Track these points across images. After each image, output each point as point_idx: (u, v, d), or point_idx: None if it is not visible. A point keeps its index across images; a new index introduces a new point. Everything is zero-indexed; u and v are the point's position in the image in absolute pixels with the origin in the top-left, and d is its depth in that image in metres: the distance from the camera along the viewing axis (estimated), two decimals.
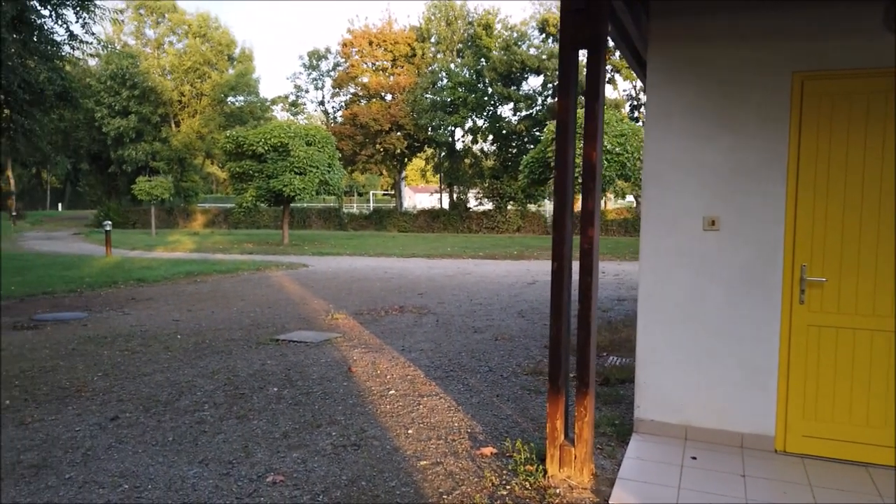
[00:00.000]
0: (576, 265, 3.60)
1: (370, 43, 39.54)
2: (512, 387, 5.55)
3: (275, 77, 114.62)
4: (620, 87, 42.69)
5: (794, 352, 3.96)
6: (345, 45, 40.24)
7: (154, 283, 12.98)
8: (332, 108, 43.74)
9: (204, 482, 3.66)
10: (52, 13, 10.79)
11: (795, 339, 3.96)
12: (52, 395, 5.36)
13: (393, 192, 51.72)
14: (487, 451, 4.09)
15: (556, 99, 3.73)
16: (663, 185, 4.18)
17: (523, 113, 34.95)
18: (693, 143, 4.11)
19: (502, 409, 4.97)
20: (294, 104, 45.05)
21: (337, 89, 41.80)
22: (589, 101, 3.54)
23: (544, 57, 33.22)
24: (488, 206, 34.06)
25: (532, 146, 32.74)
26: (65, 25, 10.78)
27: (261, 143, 22.58)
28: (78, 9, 10.78)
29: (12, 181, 44.31)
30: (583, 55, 3.65)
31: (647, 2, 4.18)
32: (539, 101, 35.00)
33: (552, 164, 21.69)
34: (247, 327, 8.30)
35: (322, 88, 43.61)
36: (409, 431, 4.48)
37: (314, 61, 42.56)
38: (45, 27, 10.87)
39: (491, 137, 36.76)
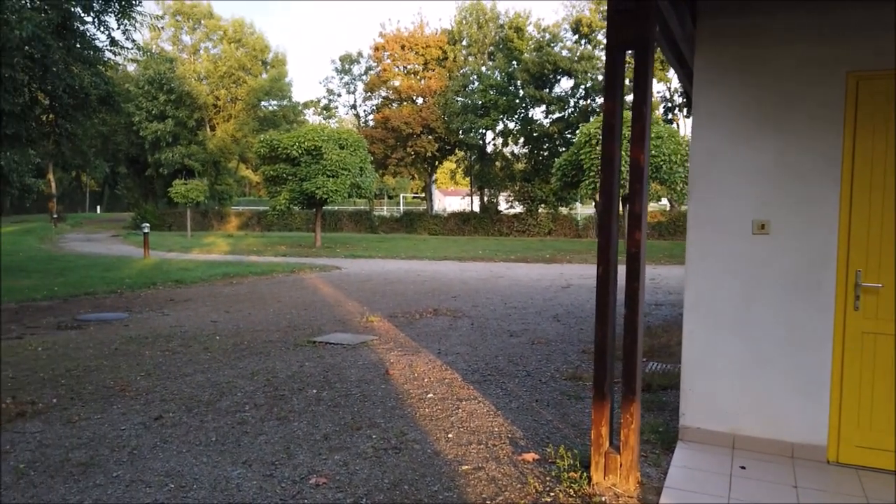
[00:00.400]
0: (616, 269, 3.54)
1: (402, 47, 39.74)
2: (551, 392, 5.50)
3: (307, 81, 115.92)
4: (654, 89, 42.15)
5: (847, 360, 3.84)
6: (377, 48, 40.52)
7: (191, 285, 13.19)
8: (364, 111, 44.13)
9: (248, 483, 3.68)
10: (95, 20, 11.02)
11: (849, 347, 3.84)
12: (98, 394, 5.46)
13: (423, 195, 51.87)
14: (529, 456, 4.04)
15: (602, 100, 3.68)
16: (711, 189, 4.10)
17: (555, 115, 34.72)
18: (742, 146, 4.02)
19: (542, 414, 4.92)
20: (326, 108, 45.49)
21: (369, 93, 42.11)
22: (636, 102, 3.48)
23: (576, 59, 32.97)
24: (519, 209, 33.94)
25: (564, 149, 32.53)
26: (106, 31, 10.99)
27: (294, 147, 22.83)
28: (119, 15, 11.00)
29: (53, 184, 45.49)
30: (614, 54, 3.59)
31: (694, 2, 4.10)
32: (571, 104, 34.74)
33: (585, 166, 21.63)
34: (284, 329, 8.38)
35: (354, 92, 44.01)
36: (450, 435, 4.45)
37: (346, 65, 42.95)
38: (88, 33, 11.11)
39: (522, 140, 36.60)
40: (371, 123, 41.61)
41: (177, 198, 32.16)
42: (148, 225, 21.25)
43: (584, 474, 3.65)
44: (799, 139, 3.89)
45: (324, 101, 45.35)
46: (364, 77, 42.56)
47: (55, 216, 40.85)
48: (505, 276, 15.08)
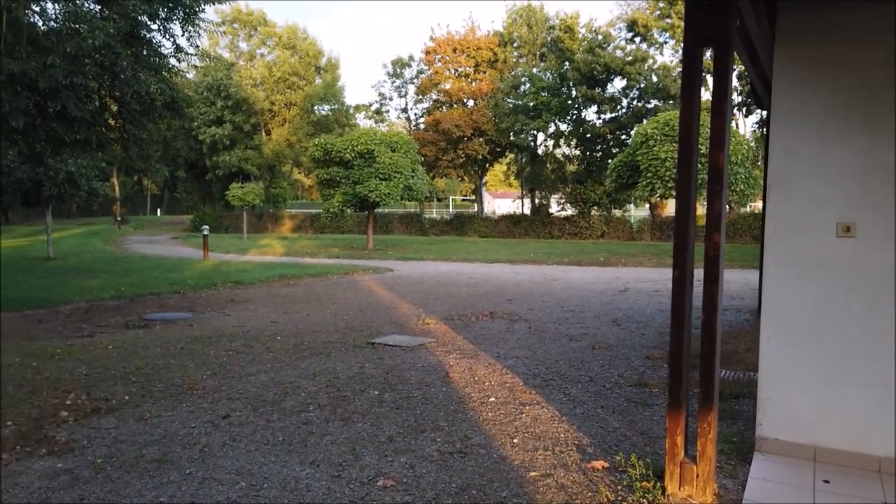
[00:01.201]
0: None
1: (453, 49, 39.83)
2: (616, 398, 5.37)
3: (359, 85, 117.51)
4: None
5: None
6: (428, 52, 40.72)
7: (250, 286, 13.47)
8: (415, 114, 44.39)
9: (317, 483, 3.70)
10: (161, 27, 11.35)
11: None
12: (167, 391, 5.61)
13: (473, 198, 51.85)
14: (598, 464, 3.95)
15: (679, 98, 3.57)
16: (791, 190, 3.93)
17: (608, 116, 34.19)
18: (825, 145, 3.84)
19: (609, 421, 4.81)
20: (378, 112, 45.97)
21: (420, 96, 42.35)
22: (716, 100, 3.36)
23: (629, 60, 32.38)
24: (571, 211, 33.56)
25: (618, 149, 32.01)
26: (171, 39, 11.36)
27: (348, 150, 23.11)
28: (183, 22, 11.31)
29: (117, 188, 47.29)
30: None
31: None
32: (624, 104, 34.16)
33: (641, 167, 21.21)
34: (342, 330, 8.45)
35: (405, 96, 44.31)
36: (514, 440, 4.39)
37: (398, 69, 43.30)
38: (154, 41, 11.47)
39: (574, 141, 36.16)
40: (422, 126, 41.83)
41: (233, 201, 32.98)
42: (207, 227, 21.85)
43: (658, 484, 3.54)
44: (887, 137, 3.69)
45: (375, 105, 45.87)
46: (415, 80, 42.83)
47: (119, 219, 42.54)
48: (559, 279, 14.91)
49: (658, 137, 20.77)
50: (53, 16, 10.33)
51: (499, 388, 5.69)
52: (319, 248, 25.27)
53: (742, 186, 20.31)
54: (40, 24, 10.02)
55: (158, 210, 65.25)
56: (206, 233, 21.14)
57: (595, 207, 32.40)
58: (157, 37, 11.42)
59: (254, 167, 42.25)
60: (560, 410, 5.05)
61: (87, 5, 10.26)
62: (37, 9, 10.05)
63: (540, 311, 9.98)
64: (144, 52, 11.14)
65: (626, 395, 5.48)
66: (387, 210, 37.44)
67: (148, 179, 62.32)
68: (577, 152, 37.11)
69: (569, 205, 33.70)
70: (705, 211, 3.40)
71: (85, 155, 16.33)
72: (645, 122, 25.56)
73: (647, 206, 31.96)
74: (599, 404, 5.21)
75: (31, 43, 9.08)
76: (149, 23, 11.07)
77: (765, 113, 9.62)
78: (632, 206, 37.41)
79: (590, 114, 35.46)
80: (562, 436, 4.49)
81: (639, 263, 18.84)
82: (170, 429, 4.65)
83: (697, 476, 3.44)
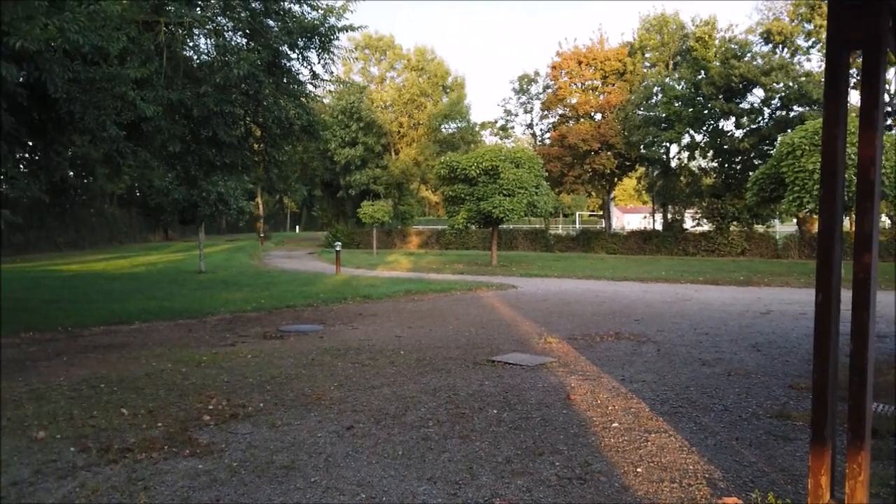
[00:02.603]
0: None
1: (579, 63, 39.29)
2: (753, 430, 4.97)
3: (485, 101, 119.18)
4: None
5: None
6: (554, 67, 40.45)
7: (377, 300, 13.93)
8: (541, 130, 44.15)
9: (434, 500, 3.72)
10: (299, 56, 12.08)
11: None
12: (297, 401, 5.89)
13: (601, 213, 50.64)
14: (731, 501, 3.66)
15: (823, 105, 3.27)
16: None
17: (747, 127, 32.14)
18: None
19: (744, 454, 4.46)
20: (503, 128, 46.21)
21: (545, 111, 42.10)
22: (865, 107, 3.06)
23: (767, 69, 30.26)
24: (707, 226, 31.81)
25: (760, 161, 29.99)
26: (308, 66, 12.07)
27: (472, 167, 23.40)
28: (320, 50, 11.97)
29: (261, 206, 50.92)
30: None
31: None
32: (766, 114, 31.97)
33: (786, 180, 19.71)
34: (463, 346, 8.51)
35: (531, 111, 44.22)
36: (638, 469, 4.18)
37: (524, 85, 43.35)
38: (293, 69, 12.23)
39: (711, 153, 34.29)
40: (547, 141, 41.52)
41: (364, 218, 34.38)
42: (340, 243, 22.90)
43: None
44: None
45: (501, 122, 46.14)
46: (541, 96, 42.66)
47: (262, 235, 45.84)
48: (693, 298, 14.14)
49: (806, 148, 19.21)
50: (205, 49, 11.33)
51: (623, 413, 5.46)
52: (444, 264, 25.70)
53: None
54: (194, 57, 11.01)
55: (297, 227, 69.50)
56: (338, 249, 22.21)
57: (734, 223, 30.50)
58: (296, 65, 12.13)
59: (382, 186, 43.91)
60: (690, 440, 4.75)
61: (234, 39, 11.14)
62: (191, 44, 11.06)
63: (670, 333, 9.50)
64: (284, 80, 11.90)
65: (765, 427, 5.06)
66: (511, 226, 37.43)
67: (288, 198, 66.63)
68: (714, 164, 35.15)
69: (705, 220, 31.97)
70: (854, 229, 3.08)
71: (233, 177, 17.75)
72: (790, 131, 23.77)
73: (794, 221, 29.61)
74: (734, 436, 4.85)
75: (187, 75, 9.99)
76: (289, 52, 11.83)
77: None
78: (776, 221, 34.82)
79: (728, 124, 33.54)
80: (691, 468, 4.22)
81: (784, 283, 17.47)
82: (298, 437, 4.88)
83: None
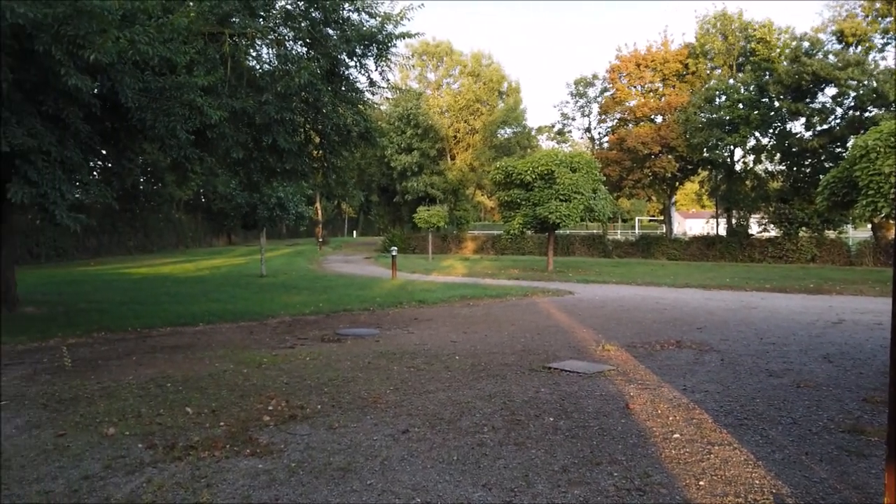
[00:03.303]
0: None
1: (637, 65, 38.56)
2: (824, 445, 4.74)
3: (541, 105, 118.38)
4: None
5: None
6: (612, 70, 39.82)
7: (433, 305, 13.98)
8: (599, 133, 43.51)
9: None
10: (357, 64, 12.26)
11: None
12: (354, 403, 5.95)
13: (661, 218, 49.51)
14: None
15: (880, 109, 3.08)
16: None
17: (818, 128, 30.81)
18: None
19: (814, 470, 4.25)
20: (560, 132, 45.75)
21: (603, 115, 41.46)
22: None
23: (841, 66, 28.94)
24: (774, 232, 30.63)
25: (831, 164, 28.71)
26: (366, 74, 12.26)
27: (528, 172, 23.24)
28: (377, 58, 12.12)
29: (320, 212, 51.91)
30: None
31: None
32: (838, 114, 30.58)
33: (861, 184, 18.79)
34: (519, 352, 8.43)
35: (589, 115, 43.63)
36: (701, 483, 4.04)
37: (581, 88, 42.82)
38: (351, 77, 12.42)
39: (778, 156, 33.01)
40: (606, 145, 40.88)
41: (420, 223, 34.61)
42: (395, 248, 23.11)
43: None
44: None
45: (557, 126, 45.68)
46: (599, 99, 42.05)
47: (320, 240, 46.80)
48: (759, 307, 13.63)
49: (882, 150, 18.28)
50: (267, 59, 11.64)
51: (684, 423, 5.29)
52: (499, 270, 25.60)
53: None
54: (256, 66, 11.33)
55: (354, 232, 70.59)
56: (394, 254, 22.43)
57: (803, 228, 29.28)
58: (354, 73, 12.34)
59: (438, 191, 44.12)
60: (755, 454, 4.56)
61: (295, 48, 11.41)
62: (254, 54, 11.38)
63: (735, 342, 9.18)
64: (343, 88, 12.11)
65: (837, 441, 4.81)
66: (568, 231, 37.00)
67: (346, 204, 67.71)
68: (782, 168, 33.83)
69: (772, 225, 30.80)
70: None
71: (292, 183, 18.16)
72: (864, 133, 22.67)
73: (869, 226, 28.21)
74: (803, 450, 4.63)
75: (249, 84, 10.29)
76: (347, 60, 12.03)
77: None
78: (849, 226, 33.26)
79: (796, 126, 32.24)
80: (756, 482, 4.05)
81: (858, 292, 16.65)
82: (355, 439, 4.92)
83: None
